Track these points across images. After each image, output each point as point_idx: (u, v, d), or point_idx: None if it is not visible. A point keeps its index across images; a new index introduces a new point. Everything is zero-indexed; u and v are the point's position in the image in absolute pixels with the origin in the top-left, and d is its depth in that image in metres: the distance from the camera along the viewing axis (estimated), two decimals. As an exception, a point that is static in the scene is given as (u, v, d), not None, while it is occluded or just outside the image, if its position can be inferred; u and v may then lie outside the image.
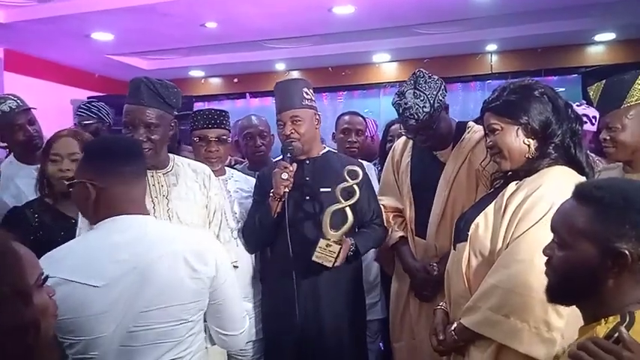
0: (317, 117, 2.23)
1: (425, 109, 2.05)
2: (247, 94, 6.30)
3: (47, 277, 1.01)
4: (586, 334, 1.05)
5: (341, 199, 2.02)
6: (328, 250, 2.00)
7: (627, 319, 1.00)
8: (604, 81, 1.87)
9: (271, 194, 2.10)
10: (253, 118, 2.90)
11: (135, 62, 5.65)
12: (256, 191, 2.28)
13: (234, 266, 2.04)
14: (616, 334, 0.94)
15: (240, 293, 1.64)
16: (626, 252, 1.00)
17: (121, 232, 1.33)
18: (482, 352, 1.50)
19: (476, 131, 2.13)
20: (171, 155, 2.00)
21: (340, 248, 2.00)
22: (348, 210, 2.03)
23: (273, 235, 2.18)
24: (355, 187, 2.02)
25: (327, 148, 2.34)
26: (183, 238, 1.42)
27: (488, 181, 1.87)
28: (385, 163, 2.45)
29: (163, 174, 1.93)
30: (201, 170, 2.02)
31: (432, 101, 2.05)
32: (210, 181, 2.02)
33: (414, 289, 2.21)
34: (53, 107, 4.42)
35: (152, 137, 1.83)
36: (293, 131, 2.13)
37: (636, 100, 1.79)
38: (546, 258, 1.15)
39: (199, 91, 6.30)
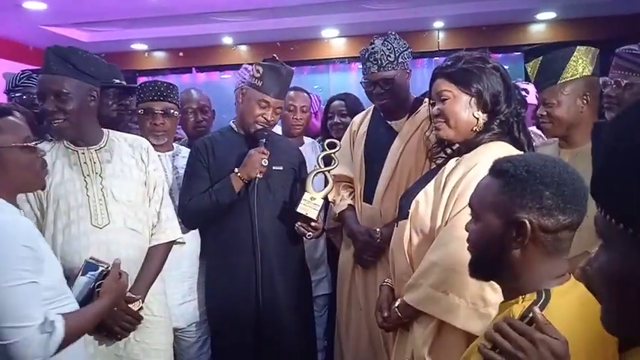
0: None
1: (389, 58, 2.13)
2: (193, 69, 6.11)
3: None
4: (504, 312, 1.06)
5: (321, 165, 2.17)
6: (312, 203, 2.08)
7: (543, 297, 1.02)
8: (540, 58, 1.89)
9: (239, 175, 2.08)
10: (193, 92, 2.81)
11: (72, 34, 5.35)
12: (193, 162, 2.19)
13: (181, 243, 2.01)
14: (530, 315, 0.95)
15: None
16: (526, 221, 1.02)
17: None
18: (424, 328, 1.53)
19: None
20: (105, 130, 1.91)
21: (323, 204, 2.10)
22: (327, 174, 2.19)
23: (224, 212, 2.15)
24: (333, 155, 2.15)
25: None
26: None
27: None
28: (344, 135, 2.50)
29: (95, 150, 1.84)
30: (138, 144, 1.94)
31: (397, 54, 2.14)
32: (149, 155, 1.94)
33: (355, 254, 2.24)
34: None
35: (64, 107, 1.72)
36: (272, 119, 2.17)
37: (571, 76, 1.83)
38: None
39: (143, 66, 6.06)
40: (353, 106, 2.88)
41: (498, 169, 1.09)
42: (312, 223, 2.10)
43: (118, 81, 2.34)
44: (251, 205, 2.10)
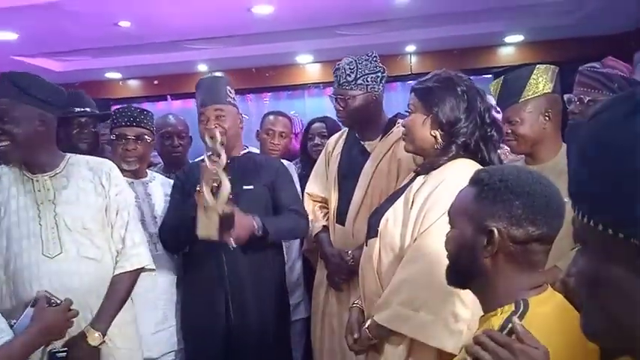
0: (240, 117, 2.23)
1: (348, 78, 2.14)
2: (168, 96, 6.09)
3: None
4: (483, 325, 1.06)
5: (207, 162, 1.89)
6: (210, 221, 1.86)
7: (521, 308, 1.02)
8: (502, 77, 1.94)
9: (197, 189, 2.03)
10: (171, 117, 2.82)
11: (44, 64, 5.31)
12: (176, 190, 2.21)
13: (150, 269, 1.92)
14: (510, 325, 0.95)
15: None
16: (495, 230, 1.03)
17: None
18: (395, 348, 1.52)
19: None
20: (67, 155, 1.87)
21: (224, 215, 1.84)
22: (222, 175, 1.87)
23: (193, 233, 2.11)
24: (219, 147, 1.90)
25: (248, 149, 2.33)
26: None
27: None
28: (320, 155, 2.51)
29: (50, 177, 1.79)
30: (99, 168, 1.87)
31: (358, 75, 2.14)
32: (110, 178, 1.86)
33: (327, 276, 2.22)
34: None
35: (9, 130, 1.68)
36: (217, 125, 2.10)
37: (533, 94, 1.86)
38: None
39: (117, 94, 6.02)
40: (333, 128, 2.89)
41: (475, 178, 1.12)
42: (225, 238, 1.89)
43: (80, 109, 2.31)
44: None
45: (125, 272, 1.83)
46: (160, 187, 2.28)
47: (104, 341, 1.74)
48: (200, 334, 2.14)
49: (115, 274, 1.82)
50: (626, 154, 0.56)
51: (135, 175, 2.21)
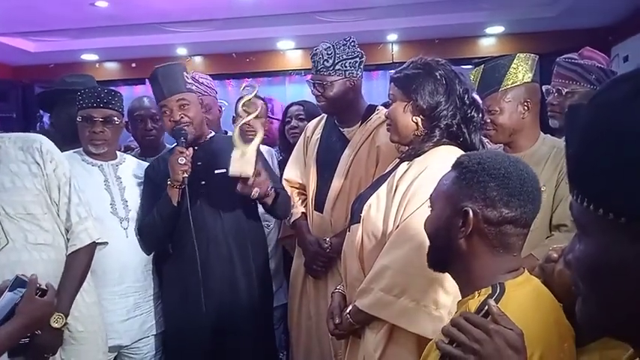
0: (200, 100, 2.19)
1: (326, 63, 2.12)
2: (147, 80, 5.98)
3: None
4: (461, 308, 1.08)
5: (243, 115, 1.98)
6: (244, 160, 1.88)
7: (497, 291, 1.04)
8: (482, 66, 1.94)
9: (169, 182, 2.01)
10: (145, 100, 2.73)
11: (19, 44, 5.16)
12: (148, 185, 2.16)
13: (103, 243, 1.86)
14: (486, 307, 0.97)
15: None
16: (469, 210, 1.04)
17: None
18: (375, 333, 1.52)
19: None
20: None
21: (257, 157, 1.91)
22: (255, 123, 2.03)
23: (173, 227, 2.09)
24: (256, 98, 2.02)
25: (212, 133, 2.29)
26: None
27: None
28: (299, 140, 2.48)
29: None
30: (29, 145, 1.72)
31: (336, 60, 2.12)
32: (43, 154, 1.72)
33: (305, 263, 2.22)
34: None
35: None
36: (182, 116, 2.06)
37: (512, 84, 1.88)
38: None
39: (94, 76, 5.90)
40: (311, 111, 2.86)
41: (456, 161, 1.13)
42: (253, 179, 1.90)
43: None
44: (188, 213, 2.00)
45: (77, 250, 1.76)
46: (130, 169, 2.21)
47: (67, 322, 1.69)
48: (178, 322, 2.13)
49: (67, 253, 1.75)
50: (627, 137, 0.55)
51: (103, 157, 2.14)
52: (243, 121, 1.99)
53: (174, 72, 2.11)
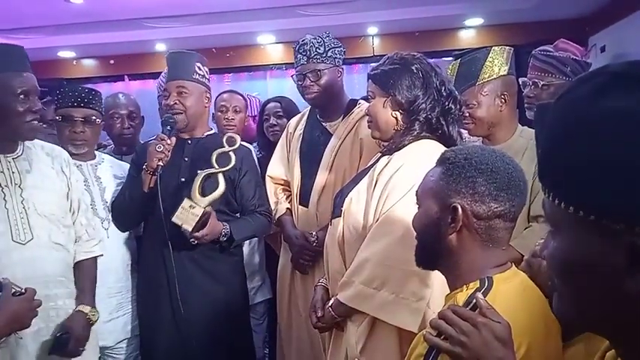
0: (207, 95, 2.16)
1: (319, 50, 2.17)
2: (126, 77, 5.92)
3: None
4: (449, 302, 1.09)
5: (215, 165, 1.95)
6: (191, 212, 1.88)
7: (485, 284, 1.05)
8: (459, 60, 1.96)
9: (144, 167, 1.99)
10: (121, 96, 2.69)
11: (-7, 41, 5.08)
12: (131, 167, 2.17)
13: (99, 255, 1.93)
14: (474, 301, 0.98)
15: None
16: (458, 206, 1.05)
17: None
18: (357, 326, 1.53)
19: None
20: None
21: (204, 214, 1.88)
22: (220, 177, 1.95)
23: (142, 212, 2.07)
24: (232, 154, 1.97)
25: (213, 130, 2.27)
26: None
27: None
28: (281, 137, 2.48)
29: (13, 159, 1.71)
30: (57, 154, 1.85)
31: (327, 48, 2.18)
32: (70, 165, 1.86)
33: (292, 258, 2.22)
34: None
35: None
36: (177, 102, 2.05)
37: (489, 77, 1.89)
38: (412, 231, 1.19)
39: (71, 74, 5.79)
40: (288, 108, 2.85)
41: (442, 157, 1.13)
42: (194, 233, 1.89)
43: None
44: (159, 205, 1.96)
45: (93, 257, 1.88)
46: (109, 169, 2.20)
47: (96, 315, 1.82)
48: (151, 324, 2.11)
49: (84, 258, 1.85)
50: (592, 135, 0.55)
51: (83, 157, 2.13)
52: (210, 172, 1.96)
53: (183, 59, 2.13)
